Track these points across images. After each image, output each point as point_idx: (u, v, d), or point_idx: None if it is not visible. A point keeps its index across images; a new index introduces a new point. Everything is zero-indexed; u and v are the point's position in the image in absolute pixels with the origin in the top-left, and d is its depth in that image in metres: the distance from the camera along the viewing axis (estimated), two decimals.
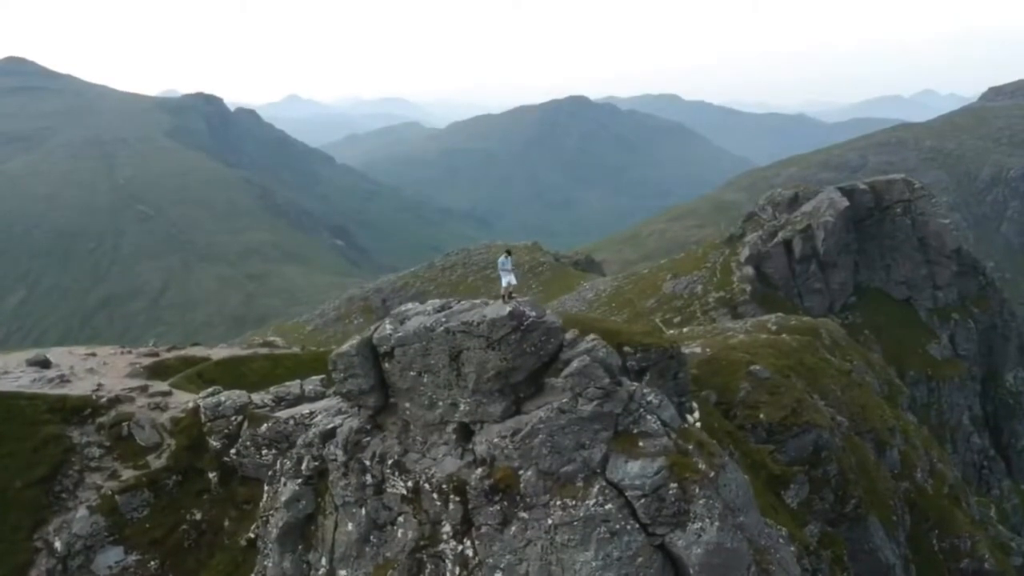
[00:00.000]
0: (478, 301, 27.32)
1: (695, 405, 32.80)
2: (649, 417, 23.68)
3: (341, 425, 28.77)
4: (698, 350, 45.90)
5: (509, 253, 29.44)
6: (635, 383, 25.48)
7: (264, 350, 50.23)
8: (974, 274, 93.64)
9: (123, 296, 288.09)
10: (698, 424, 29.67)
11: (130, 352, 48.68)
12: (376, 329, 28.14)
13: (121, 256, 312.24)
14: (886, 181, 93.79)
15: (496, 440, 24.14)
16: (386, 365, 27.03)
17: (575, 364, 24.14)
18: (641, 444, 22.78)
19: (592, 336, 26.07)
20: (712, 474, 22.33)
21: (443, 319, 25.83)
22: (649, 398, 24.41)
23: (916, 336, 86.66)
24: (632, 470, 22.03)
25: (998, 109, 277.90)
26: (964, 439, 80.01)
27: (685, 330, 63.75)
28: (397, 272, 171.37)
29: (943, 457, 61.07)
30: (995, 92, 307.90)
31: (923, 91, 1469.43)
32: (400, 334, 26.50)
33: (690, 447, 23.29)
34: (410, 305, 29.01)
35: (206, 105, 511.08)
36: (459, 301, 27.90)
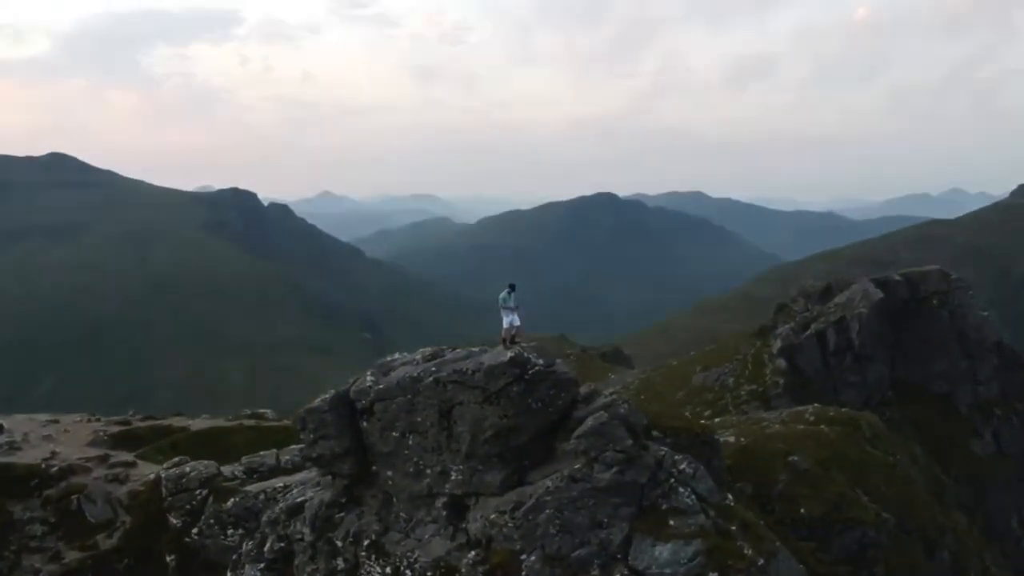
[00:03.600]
0: (476, 349, 23.39)
1: (731, 497, 30.39)
2: (682, 490, 19.72)
3: (311, 498, 24.53)
4: (732, 439, 43.63)
5: (512, 288, 25.64)
6: (664, 447, 21.41)
7: (251, 422, 46.19)
8: (1016, 369, 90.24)
9: (151, 386, 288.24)
10: None
11: (98, 420, 44.91)
12: (355, 381, 24.17)
13: (151, 346, 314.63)
14: (921, 272, 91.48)
15: (494, 516, 20.08)
16: (364, 424, 23.00)
17: (590, 422, 20.08)
18: (672, 523, 18.86)
19: (612, 390, 22.60)
20: (761, 562, 18.38)
21: (433, 368, 21.92)
22: (682, 466, 20.55)
23: (958, 433, 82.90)
24: (661, 555, 18.12)
25: None
26: (1013, 543, 75.61)
27: (717, 420, 61.31)
28: None
29: (997, 561, 57.53)
30: None
31: (952, 190, 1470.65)
32: (381, 386, 22.54)
33: (733, 528, 19.42)
34: (398, 355, 25.10)
35: (240, 200, 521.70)
36: (454, 349, 24.08)
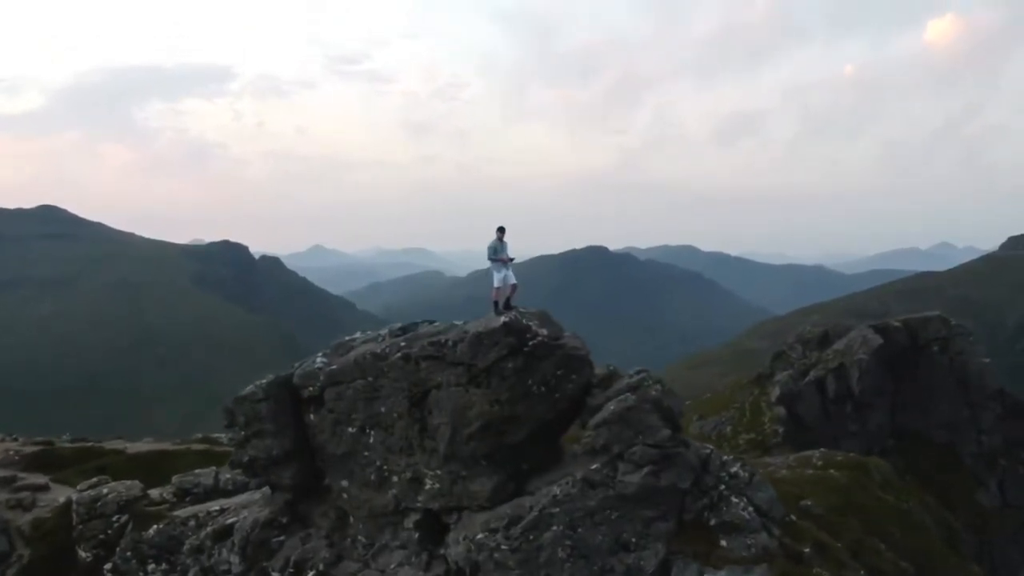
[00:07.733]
0: (459, 322, 19.01)
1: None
2: (736, 499, 15.28)
3: (244, 518, 19.21)
4: None
5: (502, 232, 19.95)
6: (709, 445, 16.88)
7: (201, 446, 41.47)
8: (1020, 418, 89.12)
9: (142, 437, 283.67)
10: None
11: (15, 440, 40.44)
12: (301, 364, 19.13)
13: (142, 398, 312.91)
14: (921, 318, 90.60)
15: (482, 537, 15.12)
16: (312, 417, 17.92)
17: (612, 407, 15.70)
18: (725, 543, 14.65)
19: (639, 368, 17.17)
20: None
21: (402, 343, 17.16)
22: (734, 468, 16.32)
23: (962, 483, 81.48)
24: None
25: (1021, 259, 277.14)
26: None
27: None
28: None
29: None
30: (1015, 242, 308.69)
31: (940, 243, 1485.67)
32: (335, 367, 17.59)
33: (806, 550, 15.09)
34: (359, 334, 20.25)
35: (231, 253, 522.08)
36: (432, 322, 19.60)
